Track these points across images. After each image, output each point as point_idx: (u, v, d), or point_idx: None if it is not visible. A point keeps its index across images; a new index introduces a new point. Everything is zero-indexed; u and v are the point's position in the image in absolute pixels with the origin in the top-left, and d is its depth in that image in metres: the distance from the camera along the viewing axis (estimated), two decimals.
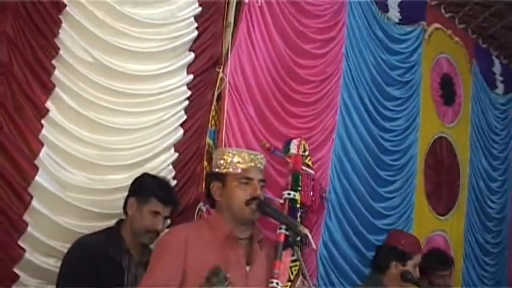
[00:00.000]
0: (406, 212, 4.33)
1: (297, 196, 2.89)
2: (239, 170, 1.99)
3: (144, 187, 2.36)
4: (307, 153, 3.05)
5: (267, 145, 2.84)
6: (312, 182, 3.05)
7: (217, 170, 2.12)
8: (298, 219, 2.91)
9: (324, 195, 3.20)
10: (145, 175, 2.45)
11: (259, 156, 2.16)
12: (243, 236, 2.09)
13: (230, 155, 2.07)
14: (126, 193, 2.57)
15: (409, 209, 4.35)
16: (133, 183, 2.42)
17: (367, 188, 4.01)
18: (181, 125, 2.91)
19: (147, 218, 2.32)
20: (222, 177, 2.02)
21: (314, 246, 2.17)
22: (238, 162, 2.00)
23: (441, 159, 4.75)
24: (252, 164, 2.09)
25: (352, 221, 3.87)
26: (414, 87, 4.48)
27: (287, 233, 2.50)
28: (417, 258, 3.30)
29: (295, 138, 3.17)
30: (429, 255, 3.77)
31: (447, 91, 4.84)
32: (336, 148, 3.76)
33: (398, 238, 3.38)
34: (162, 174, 2.72)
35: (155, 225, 2.31)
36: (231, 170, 2.00)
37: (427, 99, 4.62)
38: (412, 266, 3.26)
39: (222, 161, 2.07)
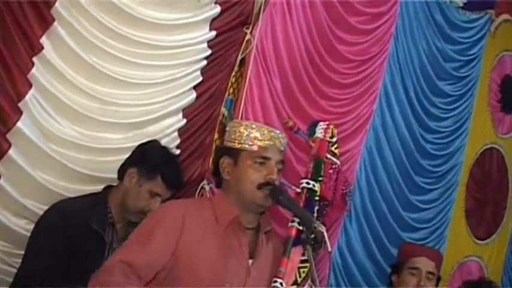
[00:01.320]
0: (440, 229, 4.26)
1: (317, 187, 2.76)
2: (255, 147, 1.96)
3: (152, 161, 2.35)
4: (334, 139, 2.89)
5: (291, 123, 2.73)
6: (336, 174, 2.90)
7: (229, 143, 2.06)
8: (315, 215, 2.75)
9: (348, 191, 3.08)
10: (154, 144, 2.44)
11: (280, 135, 2.10)
12: (249, 224, 2.05)
13: (248, 128, 2.03)
14: (119, 156, 2.53)
15: (443, 225, 4.28)
16: (139, 151, 2.41)
17: (397, 194, 3.96)
18: (195, 87, 2.87)
19: (145, 198, 2.33)
20: (234, 153, 1.99)
21: (330, 248, 2.06)
22: (256, 138, 1.99)
23: (489, 173, 4.63)
24: (271, 143, 2.03)
25: (375, 228, 3.83)
26: (469, 85, 4.36)
27: (300, 227, 2.42)
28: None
29: (323, 121, 3.03)
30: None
31: (507, 96, 4.69)
32: (368, 141, 3.71)
33: (412, 251, 3.23)
34: (165, 141, 2.68)
35: (150, 207, 2.32)
36: (246, 145, 1.97)
37: (482, 102, 4.52)
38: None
39: (237, 134, 2.03)
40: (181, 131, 2.84)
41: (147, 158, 2.36)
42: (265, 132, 2.03)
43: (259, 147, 2.00)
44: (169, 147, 2.50)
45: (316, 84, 3.37)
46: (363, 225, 3.71)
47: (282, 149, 2.09)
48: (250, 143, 2.00)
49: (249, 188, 1.98)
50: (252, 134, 2.01)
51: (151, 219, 1.96)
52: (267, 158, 2.00)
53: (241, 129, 2.04)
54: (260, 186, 1.98)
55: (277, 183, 2.03)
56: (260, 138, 2.01)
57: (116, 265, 1.82)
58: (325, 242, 2.00)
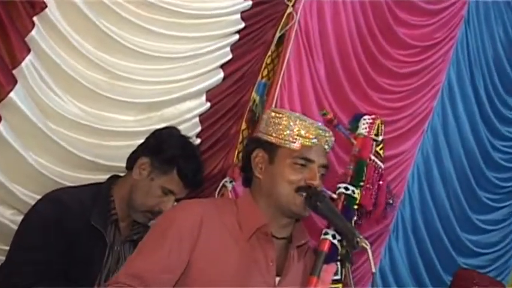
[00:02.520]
0: (505, 256, 4.21)
1: (357, 194, 2.77)
2: (298, 146, 1.94)
3: (168, 151, 2.32)
4: (380, 138, 2.88)
5: (330, 115, 2.69)
6: (379, 179, 2.90)
7: (265, 136, 1.99)
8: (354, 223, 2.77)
9: (391, 201, 3.02)
10: (173, 132, 2.43)
11: (327, 134, 2.01)
12: (280, 234, 1.98)
13: (290, 121, 1.97)
14: (129, 141, 2.50)
15: (509, 252, 4.23)
16: (154, 138, 2.39)
17: (456, 210, 3.92)
18: (223, 66, 2.83)
19: (156, 194, 2.30)
20: (271, 148, 1.96)
21: (374, 269, 1.95)
22: (300, 135, 1.94)
23: None
24: (317, 142, 1.97)
25: (425, 250, 3.80)
26: None
27: (334, 241, 2.39)
28: None
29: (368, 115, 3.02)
30: None
31: None
32: (424, 144, 3.68)
33: (471, 278, 3.23)
34: (183, 128, 2.63)
35: (161, 206, 2.29)
36: (287, 142, 1.94)
37: None
38: None
39: (276, 126, 1.97)
40: (203, 117, 2.82)
41: (162, 147, 2.33)
42: (311, 128, 1.97)
43: (303, 146, 1.95)
44: (189, 137, 2.46)
45: (367, 72, 3.33)
46: (412, 245, 3.68)
47: (328, 150, 2.03)
48: (292, 139, 1.95)
49: (286, 189, 1.93)
50: (295, 129, 1.96)
51: (163, 221, 1.93)
52: (310, 161, 1.95)
53: (283, 121, 1.98)
54: (299, 189, 1.93)
55: (318, 189, 1.97)
56: (304, 135, 1.96)
57: (120, 281, 1.78)
58: (369, 261, 1.87)
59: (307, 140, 1.95)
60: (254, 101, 2.93)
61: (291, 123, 1.95)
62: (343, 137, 2.82)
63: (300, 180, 1.92)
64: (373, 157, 2.84)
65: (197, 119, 2.81)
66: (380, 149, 2.89)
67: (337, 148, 3.07)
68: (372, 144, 2.83)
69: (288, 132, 1.95)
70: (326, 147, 2.00)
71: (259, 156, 1.97)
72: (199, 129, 2.81)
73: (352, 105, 3.14)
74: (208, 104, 2.83)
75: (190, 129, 2.76)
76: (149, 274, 1.78)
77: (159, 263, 1.81)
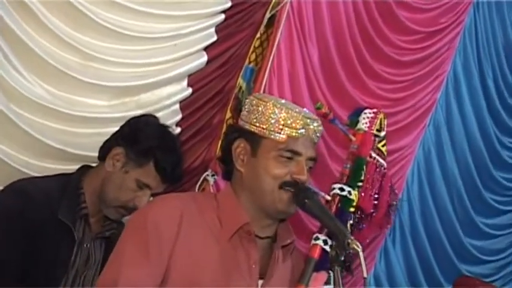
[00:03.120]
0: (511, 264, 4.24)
1: (354, 195, 2.76)
2: (283, 137, 1.92)
3: (145, 141, 2.33)
4: (383, 133, 2.89)
5: (325, 109, 2.69)
6: (381, 179, 2.91)
7: (248, 125, 1.97)
8: (349, 227, 2.80)
9: (394, 203, 3.04)
10: (150, 120, 2.43)
11: (316, 123, 1.99)
12: (263, 233, 1.97)
13: (276, 108, 1.96)
14: (102, 129, 2.51)
15: None
16: (129, 126, 2.40)
17: (459, 213, 3.96)
18: (206, 48, 2.84)
19: (130, 188, 2.32)
20: (254, 139, 1.95)
21: (366, 273, 1.94)
22: (286, 125, 1.92)
23: None
24: (304, 132, 1.95)
25: (426, 255, 3.83)
26: None
27: (325, 247, 2.40)
28: None
29: (369, 108, 3.03)
30: None
31: None
32: (425, 140, 3.72)
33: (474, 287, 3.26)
34: (162, 115, 2.65)
35: (136, 202, 2.30)
36: (271, 132, 1.93)
37: None
38: None
39: (260, 114, 1.96)
40: (184, 104, 2.82)
41: (138, 137, 2.34)
42: (299, 117, 1.95)
43: (289, 137, 1.94)
44: (168, 126, 2.46)
45: (364, 60, 3.34)
46: (409, 249, 3.71)
47: (316, 140, 2.01)
48: (277, 130, 1.93)
49: (270, 185, 1.92)
50: (281, 118, 1.94)
51: (138, 220, 1.90)
52: (297, 153, 1.94)
53: (267, 109, 1.96)
54: (284, 184, 1.92)
55: (306, 184, 1.95)
56: (291, 124, 1.94)
57: None
58: (362, 266, 1.88)
59: (293, 131, 1.93)
60: (240, 87, 2.94)
61: (276, 112, 1.94)
62: (340, 133, 2.83)
63: (285, 175, 1.92)
64: (374, 154, 2.84)
65: (177, 106, 2.82)
66: (382, 146, 2.90)
67: (333, 145, 3.10)
68: (373, 140, 2.84)
69: (272, 121, 1.93)
70: (314, 137, 1.99)
71: (240, 147, 1.96)
72: (179, 117, 2.82)
73: (348, 95, 3.16)
74: (190, 90, 2.83)
75: (170, 117, 2.76)
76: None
77: (146, 276, 1.81)
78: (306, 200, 1.90)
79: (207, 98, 2.87)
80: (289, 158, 1.92)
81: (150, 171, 2.32)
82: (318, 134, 1.99)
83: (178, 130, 2.75)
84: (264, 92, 2.87)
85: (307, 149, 1.95)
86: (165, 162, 2.33)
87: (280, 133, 1.92)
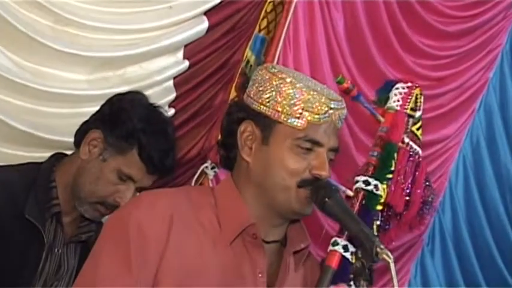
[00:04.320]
0: None
1: (382, 190, 2.78)
2: (303, 123, 1.89)
3: (128, 122, 2.33)
4: (418, 114, 2.91)
5: (347, 83, 2.70)
6: (414, 169, 2.92)
7: (258, 106, 1.95)
8: (375, 233, 2.80)
9: (430, 199, 3.04)
10: (137, 98, 2.43)
11: (340, 105, 1.98)
12: (271, 236, 1.96)
13: (294, 88, 1.93)
14: (79, 108, 2.54)
15: None
16: (110, 105, 2.42)
17: None
18: (207, 13, 2.85)
19: (109, 180, 2.33)
20: (266, 123, 1.93)
21: None
22: (306, 109, 1.90)
23: None
24: (328, 118, 1.93)
25: (471, 270, 3.81)
26: None
27: (346, 254, 2.46)
28: None
29: (402, 82, 3.02)
30: None
31: None
32: (475, 129, 3.72)
33: None
34: (152, 93, 2.66)
35: (116, 197, 2.32)
36: (288, 117, 1.91)
37: None
38: None
39: (274, 94, 1.94)
40: (179, 80, 2.82)
41: (120, 117, 2.34)
42: (323, 99, 1.93)
43: (309, 122, 1.91)
44: (159, 106, 2.44)
45: (400, 29, 3.33)
46: (452, 262, 3.70)
47: (339, 126, 2.00)
48: (296, 114, 1.91)
49: (285, 181, 1.91)
50: (301, 99, 1.92)
51: (117, 221, 1.90)
52: (317, 144, 1.92)
53: (284, 87, 1.94)
54: (303, 184, 1.91)
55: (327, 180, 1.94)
56: (313, 108, 1.92)
57: None
58: (392, 278, 1.83)
59: (316, 117, 1.91)
60: (248, 61, 2.94)
61: (296, 92, 1.92)
62: (365, 113, 2.82)
63: (304, 170, 1.91)
64: (407, 139, 2.84)
65: (171, 83, 2.81)
66: (417, 129, 2.89)
67: (355, 128, 3.09)
68: (407, 122, 2.84)
69: (290, 103, 1.91)
70: (338, 123, 1.98)
71: (248, 131, 1.94)
72: (173, 96, 2.82)
73: (379, 72, 3.13)
74: (187, 63, 2.83)
75: (162, 95, 2.77)
76: None
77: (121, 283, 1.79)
78: (327, 199, 1.89)
79: (208, 73, 2.86)
80: (308, 149, 1.91)
81: (133, 159, 2.33)
82: (342, 119, 1.98)
83: (171, 112, 2.75)
84: (277, 64, 2.85)
85: (330, 137, 1.94)
86: (152, 149, 2.33)
87: (299, 118, 1.91)
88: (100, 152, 2.34)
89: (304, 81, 1.95)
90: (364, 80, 3.11)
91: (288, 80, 1.92)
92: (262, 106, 1.93)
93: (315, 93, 1.91)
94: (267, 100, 1.92)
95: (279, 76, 1.93)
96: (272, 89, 1.93)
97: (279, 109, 1.90)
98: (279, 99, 1.91)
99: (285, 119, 1.90)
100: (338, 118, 1.95)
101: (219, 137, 2.12)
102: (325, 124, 1.92)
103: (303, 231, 2.03)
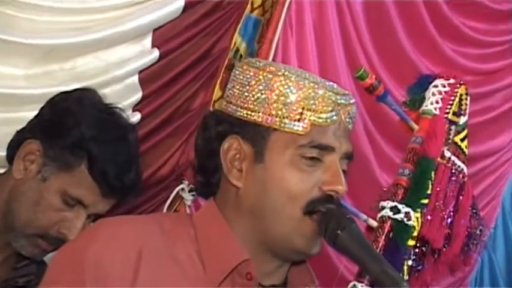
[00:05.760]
0: None
1: (415, 219, 2.81)
2: (305, 125, 1.89)
3: (74, 130, 2.31)
4: (463, 120, 2.93)
5: (371, 79, 2.69)
6: (457, 192, 2.93)
7: (243, 112, 1.94)
8: (405, 276, 2.85)
9: (478, 232, 3.05)
10: (87, 98, 2.42)
11: (349, 100, 1.97)
12: (268, 279, 1.95)
13: (289, 82, 1.92)
14: (15, 113, 2.58)
15: None
16: (52, 107, 2.41)
17: None
18: None
19: (51, 205, 2.31)
20: (256, 134, 1.91)
21: None
22: (307, 107, 1.91)
23: None
24: (335, 116, 1.92)
25: None
26: None
27: None
28: None
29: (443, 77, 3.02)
30: None
31: None
32: None
33: None
34: (110, 91, 2.64)
35: (61, 228, 2.31)
36: (285, 120, 1.90)
37: None
38: None
39: (262, 94, 1.92)
40: (146, 75, 2.82)
41: (65, 123, 2.32)
42: (326, 94, 1.93)
43: (313, 125, 1.90)
44: (118, 107, 2.41)
45: (437, 7, 3.34)
46: None
47: (351, 127, 1.98)
48: (294, 115, 1.90)
49: (287, 209, 1.87)
50: (299, 97, 1.91)
51: (67, 260, 1.87)
52: (327, 149, 1.90)
53: (275, 82, 1.92)
54: (312, 206, 1.87)
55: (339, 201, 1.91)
56: (315, 105, 1.91)
57: None
58: None
59: (322, 116, 1.90)
60: (237, 50, 2.94)
61: (292, 87, 1.90)
62: (392, 118, 2.83)
63: (311, 189, 1.87)
64: (448, 153, 2.85)
65: (136, 79, 2.81)
66: (462, 140, 2.91)
67: (378, 137, 3.07)
68: (448, 131, 2.86)
69: (285, 103, 1.90)
70: (349, 124, 1.96)
71: (233, 149, 1.91)
72: (139, 96, 2.81)
73: (410, 64, 3.13)
74: (157, 53, 2.83)
75: (123, 95, 2.76)
76: None
77: None
78: (339, 232, 1.84)
79: (183, 66, 2.87)
80: (315, 160, 1.88)
81: (82, 177, 2.30)
82: (352, 118, 1.98)
83: (136, 117, 2.76)
84: (274, 56, 2.87)
85: (342, 140, 1.92)
86: (107, 163, 2.30)
87: (299, 120, 1.89)
88: (38, 168, 2.31)
89: (300, 73, 1.94)
90: (390, 74, 3.13)
91: (280, 73, 1.90)
92: (249, 112, 1.91)
93: (316, 86, 1.90)
94: (255, 103, 1.91)
95: (268, 70, 1.92)
96: (260, 88, 1.92)
97: (273, 112, 1.88)
98: (271, 99, 1.89)
99: (281, 124, 1.87)
100: (348, 117, 1.95)
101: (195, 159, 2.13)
102: (333, 125, 1.90)
103: (308, 272, 2.00)
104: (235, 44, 2.95)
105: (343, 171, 1.90)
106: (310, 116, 1.88)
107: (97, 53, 2.76)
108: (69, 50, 2.72)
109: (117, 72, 2.78)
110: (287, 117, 1.87)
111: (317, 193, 1.85)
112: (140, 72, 2.82)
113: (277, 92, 1.89)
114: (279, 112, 1.88)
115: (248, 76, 1.94)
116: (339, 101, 1.92)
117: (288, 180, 1.86)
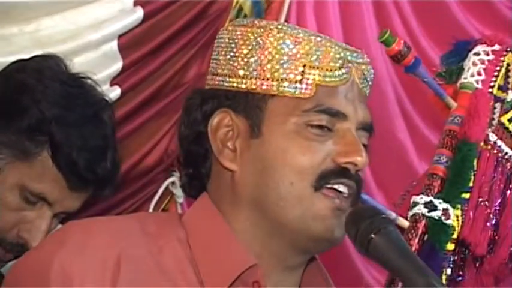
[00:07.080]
0: None
1: (454, 218, 2.62)
2: (309, 86, 1.74)
3: (33, 108, 2.18)
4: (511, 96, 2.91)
5: (399, 44, 2.56)
6: (505, 185, 2.73)
7: (231, 81, 1.79)
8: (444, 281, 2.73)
9: None
10: (50, 67, 2.28)
11: (361, 58, 1.83)
12: (278, 284, 1.81)
13: (280, 34, 1.75)
14: None
15: None
16: (5, 79, 2.26)
17: None
18: None
19: (8, 204, 2.20)
20: (249, 104, 1.78)
21: None
22: (309, 65, 1.75)
23: None
24: (346, 74, 1.78)
25: None
26: None
27: None
28: None
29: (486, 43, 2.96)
30: None
31: None
32: None
33: None
34: (80, 62, 2.46)
35: (21, 231, 2.20)
36: (284, 83, 1.74)
37: None
38: None
39: (254, 57, 1.75)
40: (127, 40, 2.70)
41: (19, 100, 2.21)
42: (332, 47, 1.78)
43: (319, 85, 1.76)
44: (86, 76, 2.27)
45: None
46: None
47: (367, 92, 1.83)
48: (294, 75, 1.74)
49: (296, 187, 1.71)
50: (298, 52, 1.75)
51: (30, 271, 1.72)
52: (338, 115, 1.76)
53: (267, 37, 1.76)
54: (323, 180, 1.70)
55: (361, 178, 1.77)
56: (320, 60, 1.76)
57: None
58: None
59: (328, 74, 1.76)
60: (240, 8, 2.82)
61: (289, 41, 1.75)
62: (428, 93, 2.69)
63: (323, 161, 1.71)
64: (493, 137, 2.67)
65: (114, 45, 2.67)
66: (510, 121, 2.75)
67: (418, 120, 2.95)
68: (493, 109, 2.68)
69: (284, 59, 1.74)
70: (365, 86, 1.82)
71: (224, 125, 1.79)
72: (118, 66, 2.68)
73: (455, 24, 2.93)
74: (141, 13, 2.70)
75: (99, 65, 2.63)
76: None
77: None
78: (373, 235, 1.63)
79: (174, 29, 2.76)
80: (325, 129, 1.73)
81: (44, 168, 2.18)
82: (368, 79, 1.83)
83: (115, 92, 2.64)
84: (288, 17, 2.74)
85: (356, 105, 1.78)
86: (74, 150, 2.17)
87: (301, 82, 1.75)
88: None
89: (299, 28, 1.82)
90: (429, 38, 2.91)
91: (273, 26, 1.76)
92: (239, 80, 1.77)
93: (319, 39, 1.76)
94: (245, 67, 1.76)
95: (257, 25, 1.77)
96: (250, 48, 1.77)
97: (267, 75, 1.74)
98: (264, 60, 1.74)
99: (279, 88, 1.74)
100: (363, 77, 1.81)
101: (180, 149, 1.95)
102: (344, 86, 1.76)
103: (322, 273, 1.86)
104: (237, 1, 2.84)
105: (363, 145, 1.74)
106: (314, 74, 1.74)
107: (65, 13, 2.65)
108: (31, 9, 2.59)
109: (90, 37, 2.69)
110: (286, 79, 1.73)
111: (330, 164, 1.69)
112: (120, 36, 2.73)
113: (270, 49, 1.74)
114: (275, 74, 1.73)
115: (235, 37, 1.78)
116: (348, 58, 1.77)
117: (293, 152, 1.72)
